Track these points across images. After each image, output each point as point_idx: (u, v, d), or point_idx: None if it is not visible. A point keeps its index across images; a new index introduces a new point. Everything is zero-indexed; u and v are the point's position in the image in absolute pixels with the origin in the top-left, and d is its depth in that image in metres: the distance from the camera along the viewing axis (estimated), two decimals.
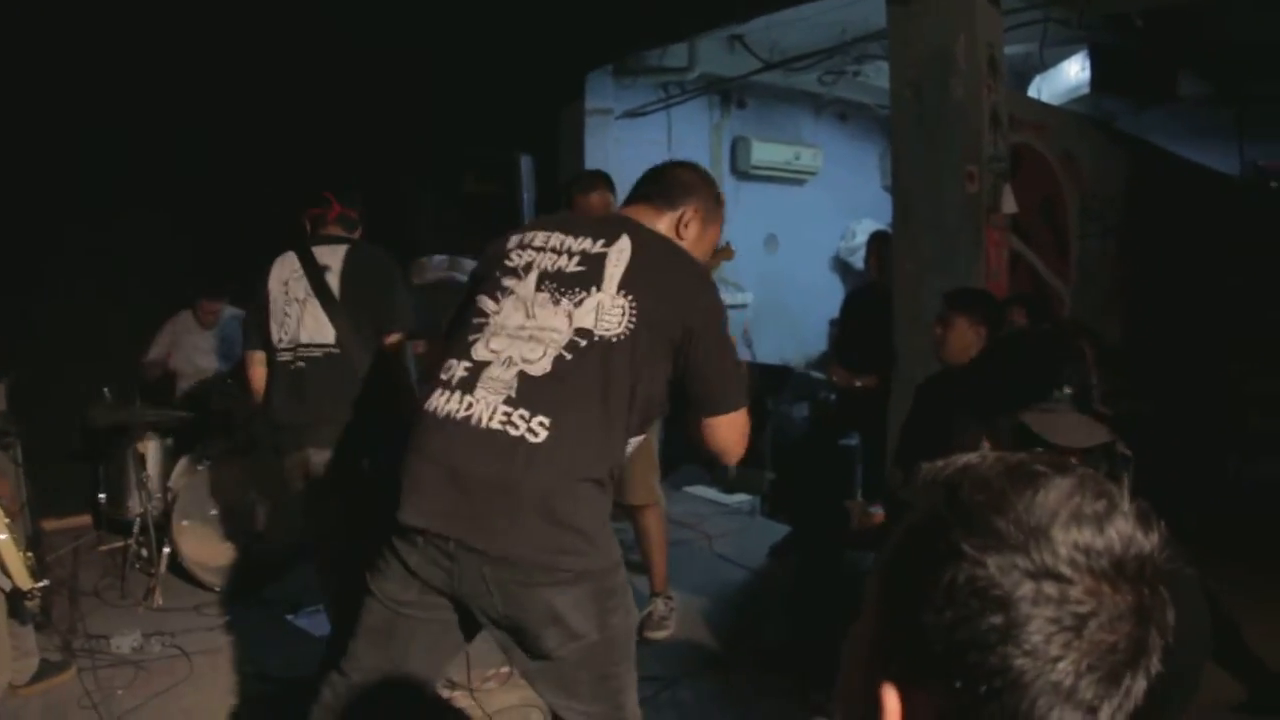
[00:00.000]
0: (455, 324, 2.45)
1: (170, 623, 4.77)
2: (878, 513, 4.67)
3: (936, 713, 0.75)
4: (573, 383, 2.19)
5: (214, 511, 5.27)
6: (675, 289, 2.29)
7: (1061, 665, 0.70)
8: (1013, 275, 5.24)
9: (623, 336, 2.21)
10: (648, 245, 2.34)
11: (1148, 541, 0.75)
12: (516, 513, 2.12)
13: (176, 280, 6.34)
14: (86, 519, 6.28)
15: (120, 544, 5.65)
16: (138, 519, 5.32)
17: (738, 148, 9.49)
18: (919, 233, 5.22)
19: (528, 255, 2.37)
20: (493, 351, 2.25)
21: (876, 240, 6.26)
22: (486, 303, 2.35)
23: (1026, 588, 0.71)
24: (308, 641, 4.62)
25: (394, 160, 6.94)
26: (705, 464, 7.64)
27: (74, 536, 5.98)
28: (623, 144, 8.30)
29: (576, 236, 2.36)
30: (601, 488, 2.22)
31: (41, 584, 3.70)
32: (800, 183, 9.91)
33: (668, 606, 4.75)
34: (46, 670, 4.10)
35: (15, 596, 3.62)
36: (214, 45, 6.21)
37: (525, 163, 7.40)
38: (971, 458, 0.81)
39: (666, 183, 2.56)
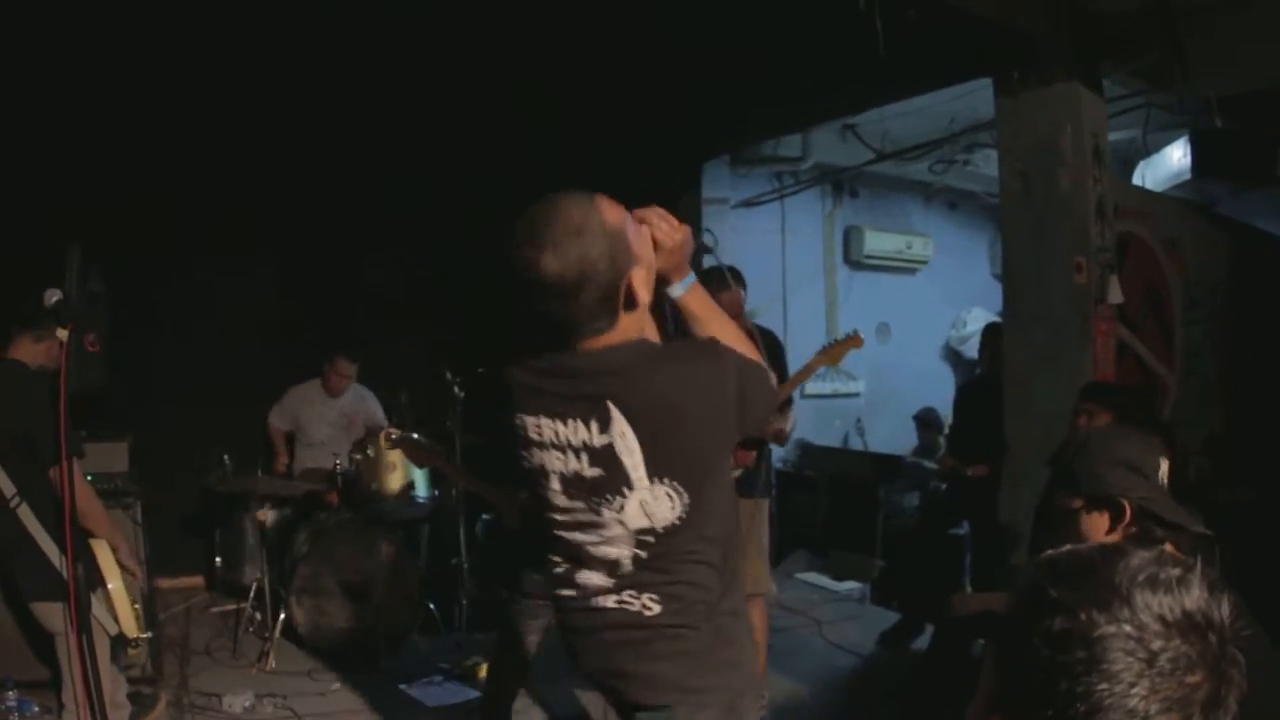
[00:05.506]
0: None
1: (283, 686, 4.88)
2: None
3: None
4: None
5: (332, 582, 5.35)
6: (693, 409, 1.91)
7: (1135, 691, 0.85)
8: (1119, 364, 5.21)
9: (683, 516, 1.94)
10: (635, 399, 1.91)
11: (1215, 604, 0.89)
12: None
13: (301, 346, 6.53)
14: (199, 580, 6.49)
15: (234, 606, 5.82)
16: (254, 584, 5.49)
17: (850, 237, 9.56)
18: (1028, 323, 5.24)
19: (537, 456, 2.05)
20: None
21: (990, 333, 6.28)
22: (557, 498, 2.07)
23: (1110, 629, 0.86)
24: (421, 712, 4.73)
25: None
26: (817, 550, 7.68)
27: (186, 596, 6.19)
28: (739, 233, 8.39)
29: (567, 421, 1.97)
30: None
31: (146, 635, 3.87)
32: (911, 272, 9.94)
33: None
34: (136, 714, 4.19)
35: (117, 643, 3.75)
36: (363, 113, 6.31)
37: None
38: (1072, 545, 0.99)
39: (569, 286, 1.86)
